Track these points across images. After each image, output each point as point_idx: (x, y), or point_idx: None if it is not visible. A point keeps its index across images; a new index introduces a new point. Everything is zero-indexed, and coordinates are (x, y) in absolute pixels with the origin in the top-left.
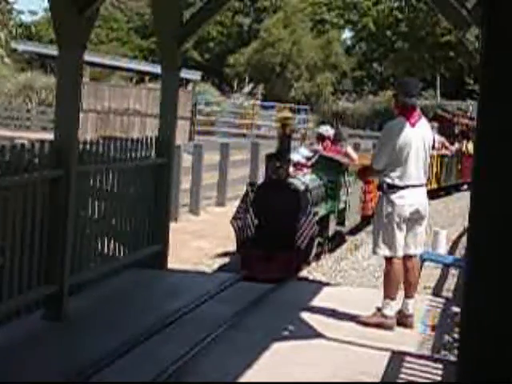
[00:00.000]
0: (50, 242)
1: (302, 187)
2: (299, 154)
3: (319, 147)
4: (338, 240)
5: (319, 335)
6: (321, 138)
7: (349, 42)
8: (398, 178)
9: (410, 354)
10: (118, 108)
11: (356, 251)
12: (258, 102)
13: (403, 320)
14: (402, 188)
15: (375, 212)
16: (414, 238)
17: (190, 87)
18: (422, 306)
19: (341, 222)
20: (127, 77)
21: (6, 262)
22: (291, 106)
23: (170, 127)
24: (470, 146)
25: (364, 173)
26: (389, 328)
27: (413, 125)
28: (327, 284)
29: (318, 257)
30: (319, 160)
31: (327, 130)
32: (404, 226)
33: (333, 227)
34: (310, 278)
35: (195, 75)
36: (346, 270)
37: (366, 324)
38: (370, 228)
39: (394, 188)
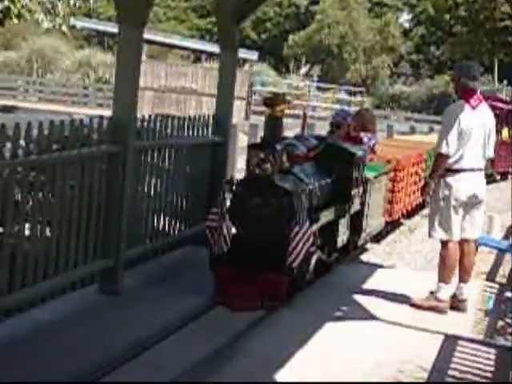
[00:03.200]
0: (106, 217)
1: (296, 185)
2: (302, 145)
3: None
4: (352, 251)
5: (372, 317)
6: (336, 123)
7: (406, 25)
8: (457, 161)
9: (463, 338)
10: (175, 86)
11: (410, 234)
12: (314, 84)
13: (457, 304)
14: (461, 171)
15: (432, 196)
16: (471, 223)
17: (246, 67)
18: (477, 291)
19: (355, 230)
20: (184, 55)
21: (63, 236)
22: (347, 89)
23: (227, 106)
24: (505, 132)
25: (434, 164)
26: (442, 312)
27: (473, 108)
28: (381, 266)
29: (317, 276)
30: (326, 149)
31: (341, 115)
32: (461, 210)
33: (343, 236)
34: (364, 260)
35: (252, 55)
36: (399, 252)
37: (419, 307)
38: (425, 211)
39: (452, 171)
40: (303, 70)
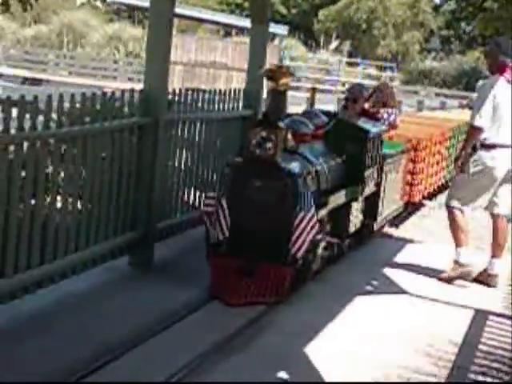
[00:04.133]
0: (136, 189)
1: (302, 167)
2: (309, 122)
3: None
4: (366, 236)
5: (402, 291)
6: (351, 98)
7: (437, 0)
8: (491, 136)
9: (493, 313)
10: (205, 61)
11: (439, 209)
12: (344, 59)
13: (487, 279)
14: (495, 147)
15: (460, 167)
16: (503, 198)
17: (276, 42)
18: (509, 266)
19: (370, 213)
20: (214, 30)
21: (94, 208)
22: (377, 64)
23: (258, 80)
24: None
25: (467, 137)
26: (468, 275)
27: (509, 82)
28: (410, 241)
29: (323, 266)
30: (336, 126)
31: (356, 89)
32: (493, 185)
33: (356, 221)
34: (394, 235)
35: (282, 30)
36: (428, 226)
37: (447, 280)
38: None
39: (485, 146)
40: (333, 45)
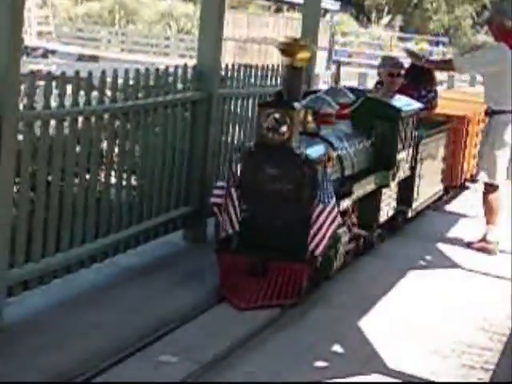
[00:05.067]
0: (190, 164)
1: (322, 152)
2: (334, 100)
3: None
4: (400, 225)
5: (455, 265)
6: (388, 73)
7: None
8: (500, 102)
9: None
10: (256, 37)
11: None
12: (396, 34)
13: (487, 247)
14: (506, 112)
15: (481, 139)
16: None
17: (327, 17)
18: None
19: (404, 200)
20: (265, 6)
21: (147, 183)
22: (429, 39)
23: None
24: None
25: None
26: (490, 253)
27: None
28: (464, 216)
29: (347, 262)
30: (364, 105)
31: (390, 63)
32: (507, 153)
33: (387, 209)
34: (447, 209)
35: (334, 5)
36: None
37: (474, 249)
38: None
39: (497, 113)
40: (385, 20)
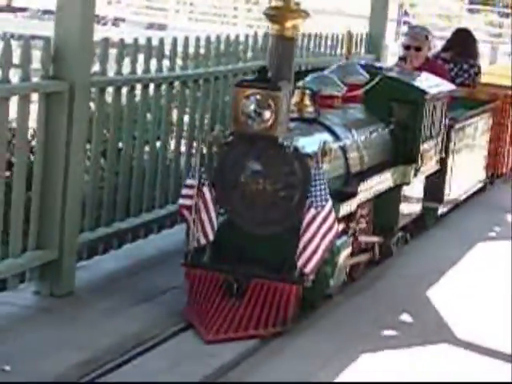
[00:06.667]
0: None
1: (318, 144)
2: (340, 79)
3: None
4: (429, 225)
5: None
6: (412, 46)
7: None
8: None
9: None
10: (322, 8)
11: None
12: (465, 6)
13: None
14: None
15: None
16: None
17: None
18: None
19: (433, 196)
20: None
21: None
22: (500, 10)
23: (381, 26)
24: None
25: None
26: None
27: None
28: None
29: (354, 277)
30: (381, 85)
31: (419, 34)
32: None
33: (409, 209)
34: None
35: None
36: None
37: None
38: None
39: None
40: None
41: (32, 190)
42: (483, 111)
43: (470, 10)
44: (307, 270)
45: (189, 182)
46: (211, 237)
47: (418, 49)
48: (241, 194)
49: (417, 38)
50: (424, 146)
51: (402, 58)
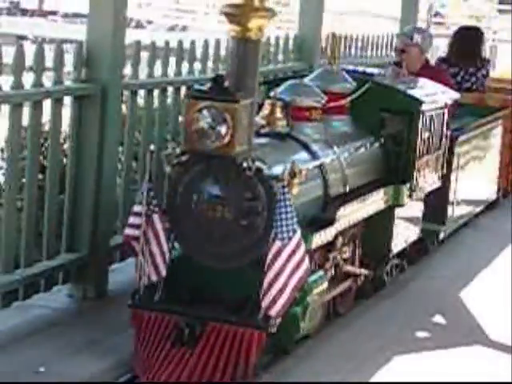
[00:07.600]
0: None
1: (287, 163)
2: (321, 87)
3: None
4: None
5: None
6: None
7: None
8: None
9: None
10: (352, 10)
11: None
12: (495, 6)
13: None
14: None
15: None
16: None
17: None
18: None
19: (434, 217)
20: None
21: None
22: None
23: None
24: None
25: None
26: None
27: None
28: None
29: (330, 315)
30: (369, 94)
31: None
32: None
33: (406, 234)
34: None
35: None
36: None
37: None
38: None
39: None
40: None
41: (64, 193)
42: (494, 119)
43: (501, 11)
44: (273, 312)
45: (136, 208)
46: (163, 272)
47: (403, 51)
48: (196, 223)
49: (402, 40)
50: (421, 162)
51: (396, 63)
